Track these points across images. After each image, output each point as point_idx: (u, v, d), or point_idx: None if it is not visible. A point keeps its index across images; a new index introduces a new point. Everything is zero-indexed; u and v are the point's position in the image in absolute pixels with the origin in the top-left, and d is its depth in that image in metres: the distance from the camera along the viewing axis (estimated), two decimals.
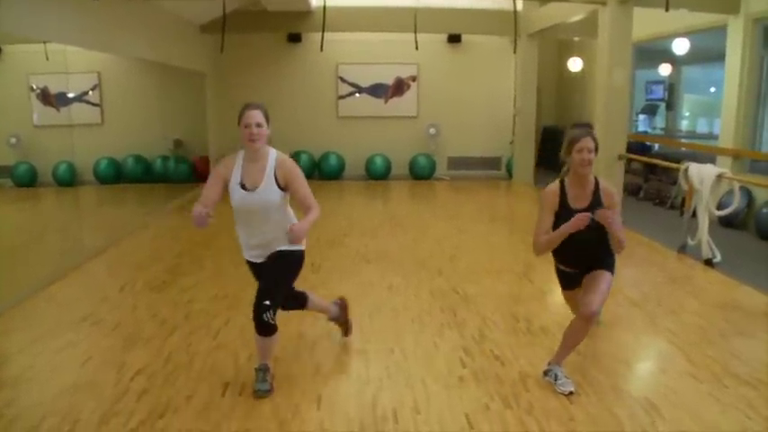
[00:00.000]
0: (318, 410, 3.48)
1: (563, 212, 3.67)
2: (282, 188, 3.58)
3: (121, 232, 7.95)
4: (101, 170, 11.03)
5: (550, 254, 3.94)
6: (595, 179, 3.74)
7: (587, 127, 3.86)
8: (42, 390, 3.72)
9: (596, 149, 3.62)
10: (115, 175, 11.17)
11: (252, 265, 3.81)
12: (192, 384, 3.76)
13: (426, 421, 3.35)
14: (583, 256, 3.80)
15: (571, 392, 3.60)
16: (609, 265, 3.79)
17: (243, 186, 3.53)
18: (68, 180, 10.05)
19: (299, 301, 4.07)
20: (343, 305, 4.44)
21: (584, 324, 3.65)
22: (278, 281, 3.66)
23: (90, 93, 10.82)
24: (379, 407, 3.51)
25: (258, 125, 3.48)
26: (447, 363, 4.09)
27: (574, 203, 3.68)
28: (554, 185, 3.77)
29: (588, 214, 3.54)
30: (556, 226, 3.68)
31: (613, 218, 3.55)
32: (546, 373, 3.79)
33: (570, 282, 4.00)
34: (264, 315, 3.51)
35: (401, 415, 3.42)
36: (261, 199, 3.54)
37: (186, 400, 3.58)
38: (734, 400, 3.58)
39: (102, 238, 7.52)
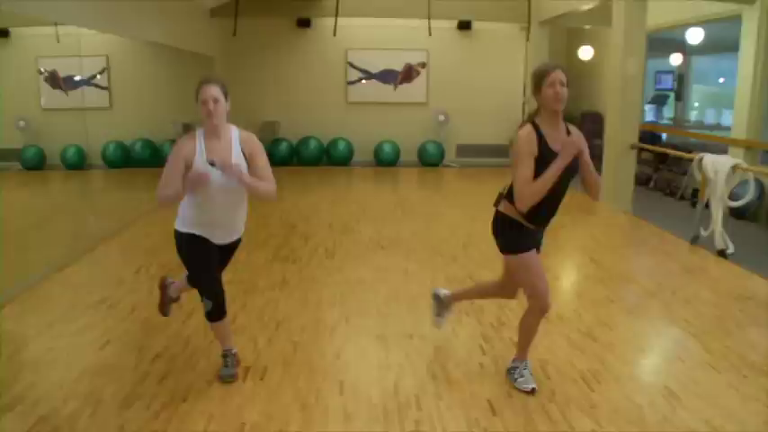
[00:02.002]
0: (341, 396, 3.49)
1: (544, 156, 3.26)
2: (247, 162, 3.47)
3: (132, 216, 7.95)
4: (109, 154, 11.02)
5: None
6: (566, 124, 3.41)
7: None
8: (63, 372, 3.73)
9: (567, 85, 3.26)
10: (123, 159, 11.16)
11: (209, 243, 3.57)
12: (212, 368, 3.76)
13: (450, 407, 3.36)
14: (549, 210, 3.43)
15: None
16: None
17: (212, 164, 3.34)
18: (77, 163, 10.05)
19: None
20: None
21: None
22: (227, 266, 3.81)
23: (98, 76, 10.79)
24: (401, 393, 3.52)
25: (215, 100, 3.34)
26: (467, 349, 4.10)
27: (553, 145, 3.29)
28: (529, 129, 3.32)
29: (576, 140, 3.25)
30: (537, 173, 3.26)
31: (583, 144, 3.28)
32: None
33: (531, 240, 3.51)
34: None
35: (423, 401, 3.43)
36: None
37: (208, 385, 3.59)
38: (754, 391, 3.58)
39: (114, 222, 7.53)
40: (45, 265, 5.73)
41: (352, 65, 13.06)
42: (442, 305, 4.18)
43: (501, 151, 13.53)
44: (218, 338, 3.76)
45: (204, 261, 3.59)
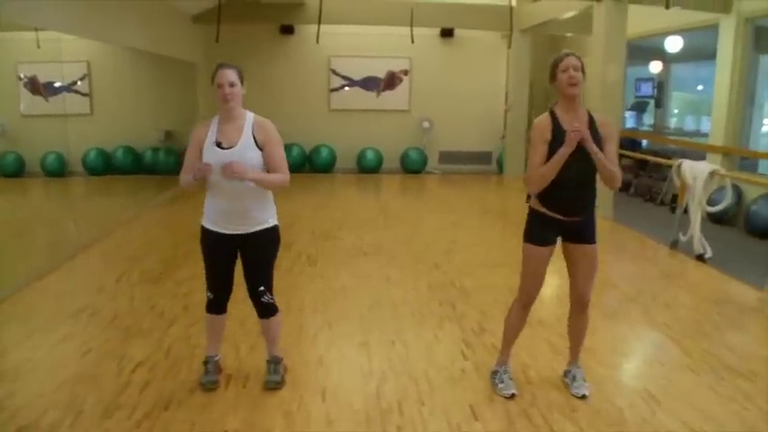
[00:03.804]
0: (324, 402, 3.49)
1: (557, 138, 3.28)
2: (261, 148, 3.41)
3: (113, 224, 7.89)
4: (90, 161, 10.96)
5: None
6: (588, 111, 3.41)
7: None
8: (43, 382, 3.70)
9: (583, 71, 3.30)
10: (104, 166, 11.10)
11: (218, 235, 3.50)
12: (194, 377, 3.75)
13: (432, 413, 3.38)
14: (574, 198, 3.39)
15: (584, 396, 3.54)
16: (594, 231, 3.52)
17: (219, 145, 3.37)
18: (57, 170, 9.99)
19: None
20: None
21: (583, 315, 3.63)
22: (262, 264, 3.58)
23: (79, 82, 10.74)
24: (383, 399, 3.53)
25: (231, 84, 3.33)
26: (449, 355, 4.12)
27: (567, 128, 3.27)
28: (544, 116, 3.39)
29: (579, 128, 3.19)
30: (550, 156, 3.29)
31: (586, 132, 3.21)
32: (565, 374, 3.75)
33: (550, 234, 3.48)
34: (263, 298, 3.55)
35: (406, 407, 3.44)
36: (239, 157, 3.31)
37: (190, 393, 3.57)
38: (731, 392, 3.64)
39: (95, 230, 7.47)
40: (25, 273, 5.68)
41: (334, 72, 13.07)
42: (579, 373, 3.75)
43: (483, 158, 13.64)
44: (206, 336, 3.74)
45: (211, 253, 3.57)
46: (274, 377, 3.64)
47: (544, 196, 3.41)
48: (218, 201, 3.45)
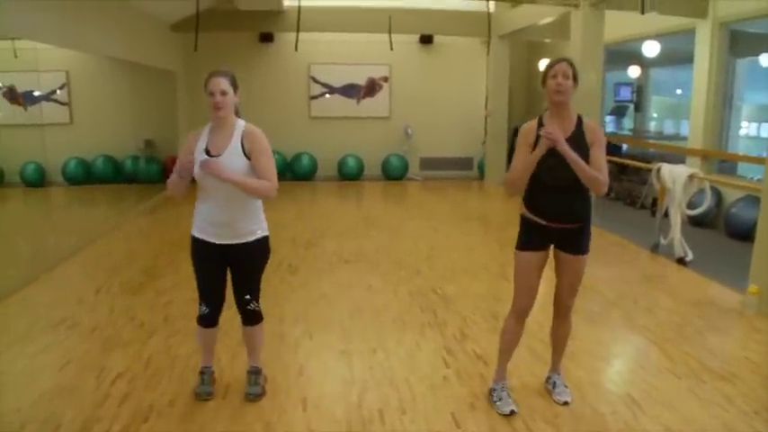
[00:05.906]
0: (305, 412, 3.47)
1: (538, 143, 3.26)
2: (248, 157, 3.35)
3: (93, 234, 7.81)
4: (70, 170, 10.87)
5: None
6: (579, 116, 3.35)
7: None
8: (20, 396, 3.64)
9: (575, 79, 3.24)
10: (84, 176, 11.01)
11: (207, 245, 3.47)
12: (174, 388, 3.72)
13: (413, 421, 3.36)
14: (557, 203, 3.35)
15: (566, 403, 3.54)
16: (584, 242, 3.47)
17: (207, 153, 3.34)
18: (37, 181, 9.91)
19: None
20: None
21: (565, 322, 3.62)
22: (251, 275, 3.57)
23: (58, 91, 10.66)
24: (365, 407, 3.51)
25: (223, 93, 3.29)
26: (430, 363, 4.11)
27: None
28: (532, 121, 3.38)
29: (552, 132, 3.16)
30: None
31: (558, 135, 3.16)
32: (546, 380, 3.76)
33: (536, 239, 3.43)
34: (249, 305, 3.55)
35: (387, 415, 3.42)
36: (224, 163, 3.28)
37: (169, 404, 3.53)
38: (712, 395, 3.65)
39: (74, 240, 7.39)
40: (3, 285, 5.60)
41: (314, 79, 13.08)
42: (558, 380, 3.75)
43: (464, 164, 13.69)
44: (202, 348, 3.72)
45: (201, 264, 3.54)
46: (254, 389, 3.62)
47: (528, 200, 3.41)
48: (206, 208, 3.43)
